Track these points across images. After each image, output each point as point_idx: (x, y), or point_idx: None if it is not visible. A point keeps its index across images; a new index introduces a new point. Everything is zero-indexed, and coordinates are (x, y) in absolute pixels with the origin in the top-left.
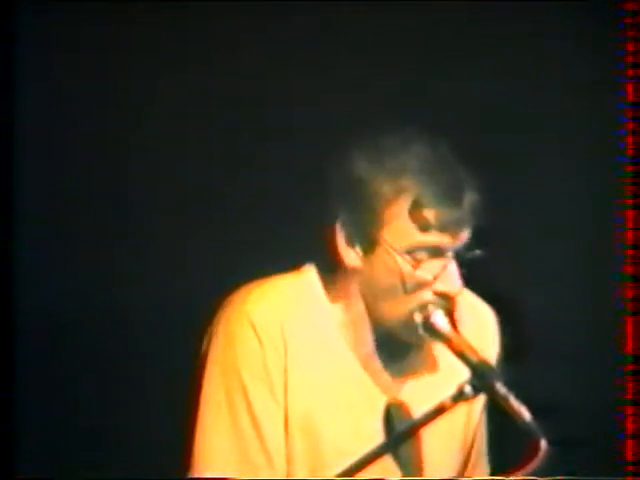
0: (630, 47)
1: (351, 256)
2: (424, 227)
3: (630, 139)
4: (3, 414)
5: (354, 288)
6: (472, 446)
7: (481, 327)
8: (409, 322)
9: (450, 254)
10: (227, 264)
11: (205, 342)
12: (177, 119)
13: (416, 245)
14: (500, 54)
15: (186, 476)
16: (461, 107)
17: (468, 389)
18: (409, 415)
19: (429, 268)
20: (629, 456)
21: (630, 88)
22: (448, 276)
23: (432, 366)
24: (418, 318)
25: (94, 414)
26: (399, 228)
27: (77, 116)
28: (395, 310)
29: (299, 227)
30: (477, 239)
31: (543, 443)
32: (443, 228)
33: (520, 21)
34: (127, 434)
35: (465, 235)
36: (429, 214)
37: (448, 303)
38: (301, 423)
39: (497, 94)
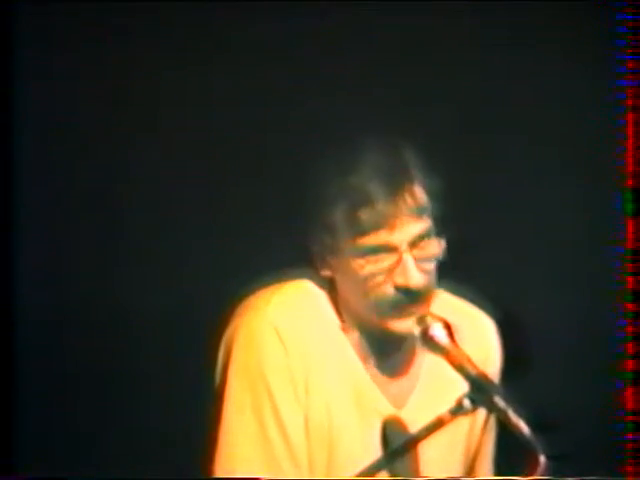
0: (629, 51)
1: (323, 266)
2: (363, 227)
3: (630, 129)
4: (3, 414)
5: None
6: (476, 457)
7: (482, 339)
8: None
9: (404, 248)
10: (227, 268)
11: (223, 347)
12: (178, 120)
13: (363, 246)
14: (499, 55)
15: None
16: (460, 108)
17: (467, 402)
18: (406, 431)
19: (381, 264)
20: (629, 468)
21: (629, 92)
22: (404, 269)
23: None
24: (416, 330)
25: (95, 415)
26: (344, 232)
27: (77, 116)
28: (372, 313)
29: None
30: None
31: (542, 458)
32: (380, 224)
33: (519, 22)
34: (128, 434)
35: (413, 228)
36: (363, 213)
37: (416, 299)
38: (319, 430)
39: (496, 95)
